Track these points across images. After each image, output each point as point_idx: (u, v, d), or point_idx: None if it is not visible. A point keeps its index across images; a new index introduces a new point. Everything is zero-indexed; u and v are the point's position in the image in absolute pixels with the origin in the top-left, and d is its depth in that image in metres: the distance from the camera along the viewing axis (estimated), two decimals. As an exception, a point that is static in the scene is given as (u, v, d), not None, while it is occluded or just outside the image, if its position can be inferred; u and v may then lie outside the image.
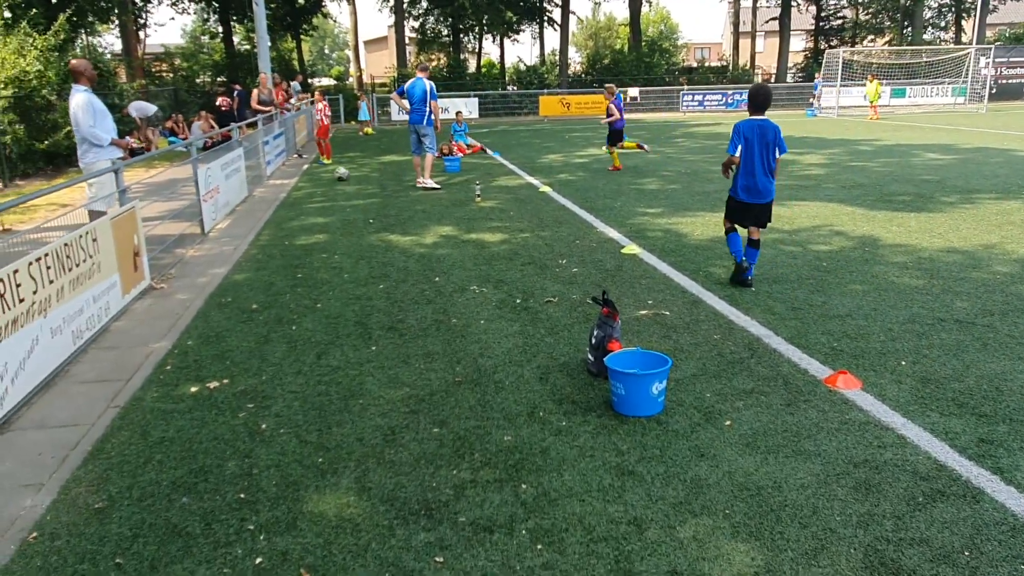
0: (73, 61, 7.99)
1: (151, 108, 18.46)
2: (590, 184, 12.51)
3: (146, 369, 4.93)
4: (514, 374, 4.66)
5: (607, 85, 14.76)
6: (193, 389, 4.57)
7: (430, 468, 3.58)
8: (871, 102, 27.75)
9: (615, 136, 13.95)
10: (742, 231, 6.54)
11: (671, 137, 21.49)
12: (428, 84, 11.84)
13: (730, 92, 33.43)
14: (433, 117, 11.92)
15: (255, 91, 15.65)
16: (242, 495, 3.38)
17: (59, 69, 15.89)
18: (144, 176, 13.33)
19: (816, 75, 33.58)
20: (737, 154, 6.44)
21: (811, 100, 33.07)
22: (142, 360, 5.10)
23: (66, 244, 5.01)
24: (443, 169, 14.65)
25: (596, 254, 7.68)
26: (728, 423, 3.94)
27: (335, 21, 51.40)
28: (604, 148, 14.18)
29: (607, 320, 4.58)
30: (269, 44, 43.49)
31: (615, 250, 7.82)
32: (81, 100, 7.59)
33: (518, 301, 6.14)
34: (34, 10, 15.54)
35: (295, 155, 18.28)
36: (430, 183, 12.29)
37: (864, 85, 29.17)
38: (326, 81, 69.88)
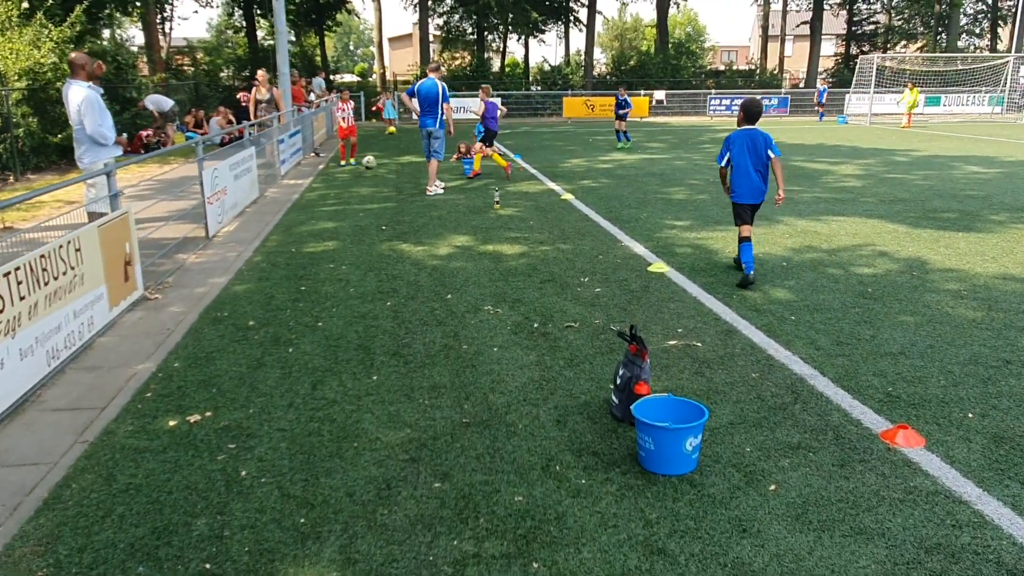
0: (72, 54, 7.58)
1: (168, 102, 18.15)
2: (615, 192, 11.97)
3: (125, 395, 4.49)
4: (528, 415, 4.16)
5: (483, 86, 14.89)
6: (172, 423, 4.11)
7: (428, 535, 3.09)
8: (908, 110, 26.95)
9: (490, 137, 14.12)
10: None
11: (698, 143, 20.88)
12: (440, 85, 11.37)
13: (759, 97, 32.64)
14: (445, 119, 11.45)
15: (252, 91, 15.04)
16: (207, 565, 2.91)
17: (74, 61, 15.58)
18: (157, 173, 12.98)
19: (820, 80, 32.22)
20: (723, 163, 7.03)
21: (816, 108, 31.44)
22: (122, 384, 4.65)
23: (42, 256, 4.58)
24: (463, 172, 14.17)
25: (620, 272, 7.16)
26: (773, 487, 3.42)
27: (359, 17, 51.07)
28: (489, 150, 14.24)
29: (634, 359, 4.07)
30: (289, 39, 43.43)
31: (641, 268, 7.30)
32: (86, 97, 7.20)
33: (535, 325, 5.64)
34: (51, 0, 15.20)
35: (312, 154, 17.90)
36: (439, 190, 11.83)
37: (900, 92, 28.36)
38: (348, 77, 69.78)
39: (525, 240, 8.53)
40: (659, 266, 7.29)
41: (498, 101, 15.15)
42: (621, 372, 4.09)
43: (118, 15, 24.24)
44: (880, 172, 14.27)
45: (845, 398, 4.35)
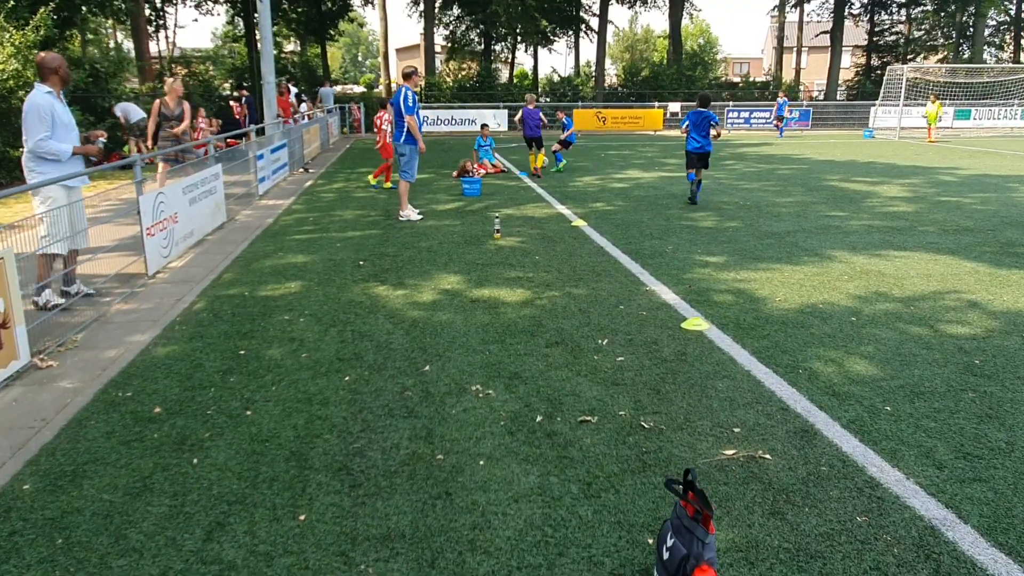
0: (41, 54, 6.24)
1: (137, 114, 16.74)
2: (632, 218, 10.48)
3: (-74, 549, 3.01)
4: (524, 606, 2.67)
5: (528, 95, 16.17)
6: (-34, 615, 2.63)
7: None
8: (929, 124, 25.47)
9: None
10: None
11: (719, 159, 19.37)
12: (403, 92, 9.97)
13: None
14: (412, 132, 10.03)
15: (156, 103, 11.25)
16: None
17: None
18: (111, 191, 11.58)
19: (780, 94, 30.18)
20: (685, 126, 11.58)
21: (775, 123, 28.99)
22: (-66, 524, 3.18)
23: None
24: (461, 193, 12.72)
25: (648, 329, 5.66)
26: None
27: (361, 26, 49.88)
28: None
29: (692, 525, 2.57)
30: (293, 50, 42.26)
31: (673, 323, 5.79)
32: (38, 102, 5.91)
33: (538, 419, 4.15)
34: (12, 2, 13.88)
35: (301, 169, 16.50)
36: (412, 215, 10.38)
37: (925, 105, 26.85)
38: (356, 89, 68.63)
39: (528, 282, 7.04)
40: (696, 322, 5.78)
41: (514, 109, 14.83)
42: (671, 543, 2.60)
43: (95, 20, 22.92)
44: (929, 194, 12.73)
45: (1014, 570, 2.83)
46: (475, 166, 15.26)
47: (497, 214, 9.64)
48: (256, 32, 36.15)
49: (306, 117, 18.51)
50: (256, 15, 35.43)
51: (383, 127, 13.02)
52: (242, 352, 5.23)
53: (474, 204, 11.80)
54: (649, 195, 12.64)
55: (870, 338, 5.43)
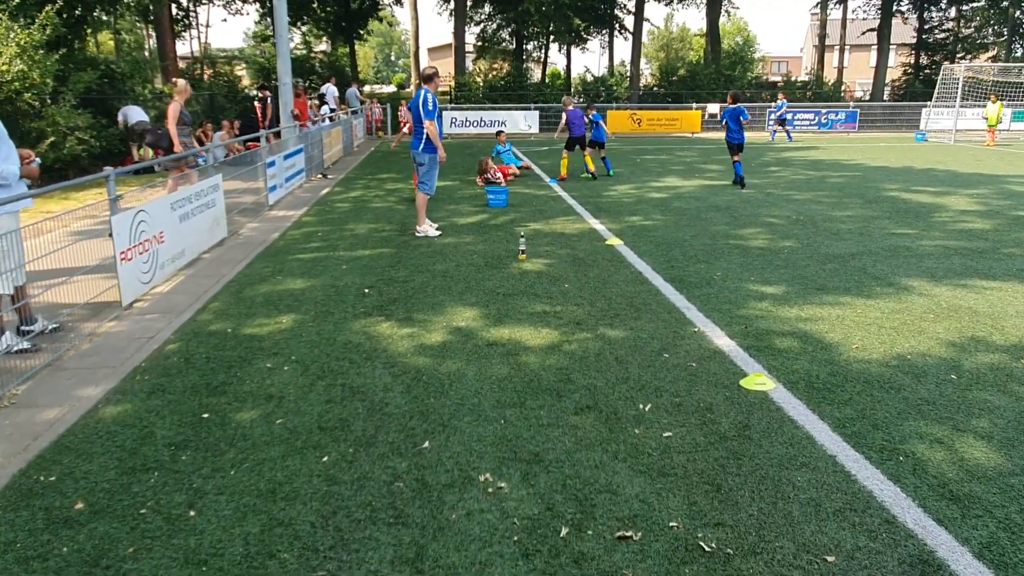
0: None
1: (137, 117, 15.94)
2: (673, 235, 9.42)
3: None
4: None
5: (565, 97, 15.79)
6: None
7: None
8: (990, 126, 23.94)
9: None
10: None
11: (763, 165, 18.16)
12: (422, 95, 9.03)
13: (824, 111, 29.69)
14: (432, 140, 9.09)
15: (171, 106, 10.47)
16: None
17: (46, 70, 13.58)
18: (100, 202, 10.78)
19: (780, 95, 28.04)
20: (722, 122, 13.72)
21: (772, 127, 26.68)
22: None
23: None
24: (486, 204, 11.75)
25: (700, 387, 4.64)
26: None
27: (391, 25, 49.21)
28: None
29: None
30: (321, 49, 41.65)
31: (730, 380, 4.76)
32: None
33: (563, 533, 3.16)
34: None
35: (319, 175, 15.67)
36: (429, 230, 9.44)
37: (984, 106, 25.30)
38: (387, 89, 68.06)
39: (556, 319, 6.04)
40: (759, 379, 4.74)
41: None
42: None
43: (124, 19, 22.40)
44: (1004, 207, 11.47)
45: None
46: (498, 172, 14.28)
47: (523, 232, 8.65)
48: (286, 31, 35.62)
49: (327, 119, 17.65)
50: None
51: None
52: (206, 415, 4.31)
53: (499, 217, 10.83)
54: (691, 207, 11.55)
55: (981, 406, 4.35)
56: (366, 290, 6.95)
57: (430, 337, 5.62)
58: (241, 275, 7.61)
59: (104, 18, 20.07)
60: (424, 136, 9.19)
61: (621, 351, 5.29)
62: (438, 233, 9.46)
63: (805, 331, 5.70)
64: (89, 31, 17.12)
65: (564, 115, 14.92)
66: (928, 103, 29.21)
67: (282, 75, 14.12)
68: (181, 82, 11.02)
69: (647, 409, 4.35)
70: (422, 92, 9.18)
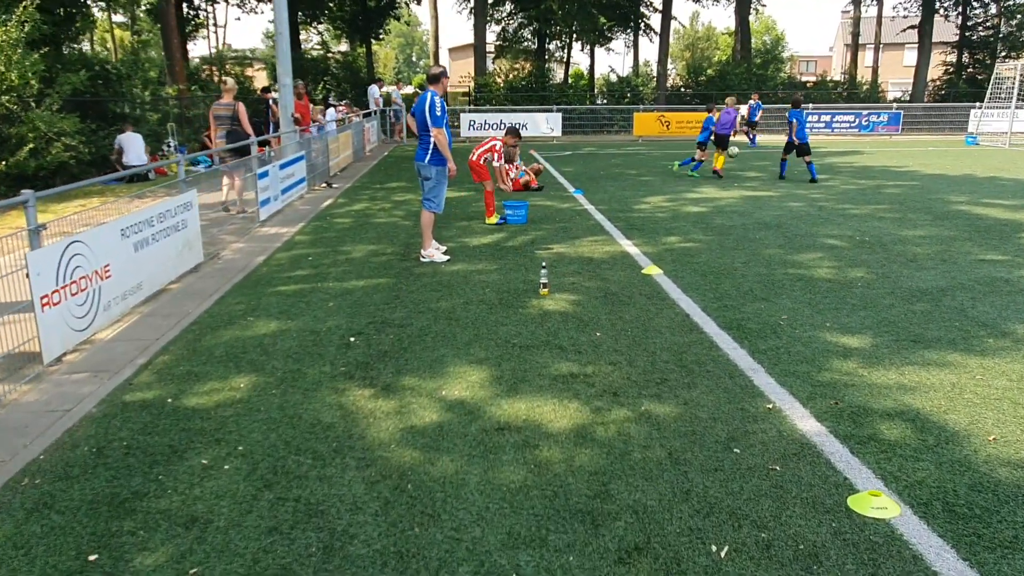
0: None
1: (133, 148, 14.91)
2: (720, 261, 8.05)
3: None
4: None
5: (727, 99, 16.75)
6: None
7: None
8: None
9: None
10: None
11: (805, 173, 16.65)
12: (428, 98, 7.76)
13: (865, 113, 28.03)
14: (441, 150, 7.82)
15: (238, 105, 11.20)
16: None
17: (27, 70, 12.46)
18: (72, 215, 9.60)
19: (754, 95, 25.24)
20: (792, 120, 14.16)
21: (742, 129, 22.89)
22: None
23: None
24: (502, 219, 10.43)
25: (792, 510, 3.30)
26: None
27: (408, 24, 48.08)
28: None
29: None
30: (339, 49, 40.55)
31: (834, 499, 3.41)
32: None
33: None
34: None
35: (323, 184, 14.44)
36: (436, 255, 8.16)
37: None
38: (408, 89, 66.97)
39: (586, 384, 4.71)
40: (874, 501, 3.37)
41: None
42: None
43: (104, 15, 21.28)
44: (1099, 226, 9.96)
45: None
46: (506, 177, 12.97)
47: (544, 261, 7.32)
48: (299, 29, 34.59)
49: (335, 124, 16.41)
50: (300, 12, 33.86)
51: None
52: (93, 558, 3.04)
53: (517, 236, 9.51)
54: (735, 224, 10.16)
55: None
56: (351, 338, 5.66)
57: (423, 415, 4.31)
58: (207, 314, 6.35)
59: (97, 14, 18.98)
60: (431, 146, 7.93)
61: (675, 442, 3.95)
62: (446, 259, 8.17)
63: (915, 409, 4.32)
64: (79, 27, 16.08)
65: (717, 115, 15.67)
66: (977, 104, 27.45)
67: (281, 76, 12.90)
68: (230, 81, 11.81)
69: (723, 554, 3.01)
70: (428, 95, 7.91)
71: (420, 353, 5.33)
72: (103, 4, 17.41)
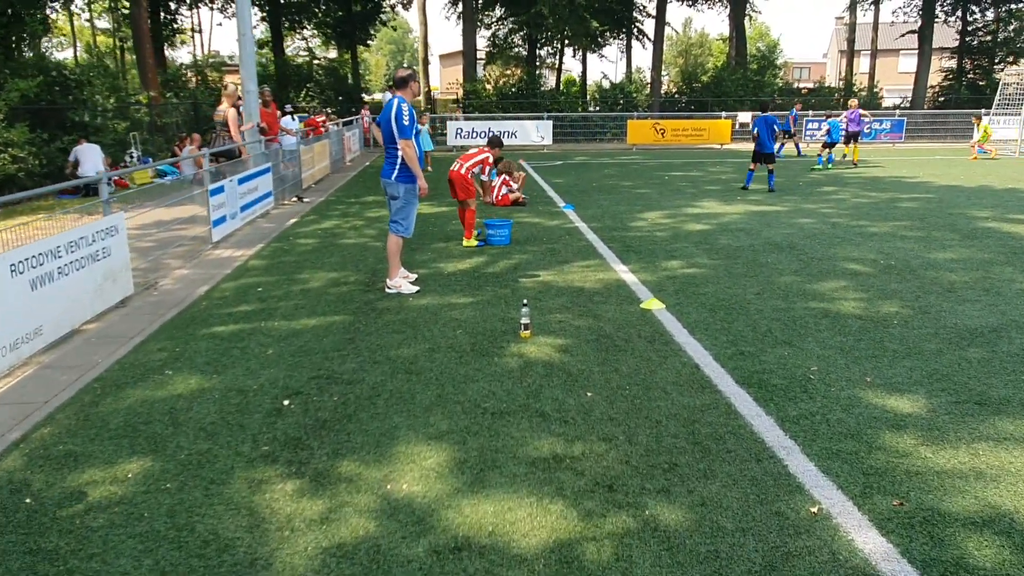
0: None
1: (91, 160, 13.84)
2: (730, 292, 7.01)
3: None
4: None
5: (851, 100, 19.72)
6: None
7: None
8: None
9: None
10: None
11: (813, 184, 15.71)
12: (395, 105, 6.74)
13: (868, 120, 27.06)
14: (410, 165, 6.78)
15: (228, 112, 10.82)
16: None
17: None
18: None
19: (796, 105, 24.35)
20: (754, 132, 14.12)
21: (783, 138, 21.99)
22: None
23: None
24: (484, 239, 9.38)
25: None
26: None
27: (394, 30, 47.10)
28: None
29: None
30: (325, 55, 39.51)
31: None
32: None
33: None
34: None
35: (294, 198, 13.37)
36: (403, 285, 7.09)
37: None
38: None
39: (573, 473, 3.65)
40: None
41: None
42: None
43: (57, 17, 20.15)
44: None
45: None
46: (491, 192, 12.02)
47: (525, 299, 6.26)
48: (283, 33, 33.55)
49: (293, 137, 15.21)
50: (283, 17, 32.82)
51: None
52: None
53: (499, 260, 8.46)
54: (742, 245, 9.13)
55: None
56: (286, 401, 4.59)
57: (357, 527, 3.24)
58: (118, 366, 5.27)
59: (52, 16, 17.90)
60: (399, 161, 6.88)
61: (693, 571, 2.89)
62: (415, 290, 7.11)
63: (1006, 513, 3.27)
64: (31, 30, 14.96)
65: (845, 116, 19.24)
66: (984, 111, 26.55)
67: (245, 81, 11.83)
68: (231, 86, 11.43)
69: None
70: (395, 102, 6.86)
71: (367, 423, 4.26)
72: (56, 6, 16.31)
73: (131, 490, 3.57)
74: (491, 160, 9.41)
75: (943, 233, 9.78)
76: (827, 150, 19.02)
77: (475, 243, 9.17)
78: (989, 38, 37.46)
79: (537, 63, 37.96)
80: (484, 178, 11.22)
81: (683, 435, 4.06)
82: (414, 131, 6.90)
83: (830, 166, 18.96)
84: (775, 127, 14.18)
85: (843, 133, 19.18)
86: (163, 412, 4.46)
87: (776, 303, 6.59)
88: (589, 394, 4.63)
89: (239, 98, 11.91)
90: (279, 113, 13.63)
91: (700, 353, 5.35)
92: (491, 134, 11.96)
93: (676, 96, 35.45)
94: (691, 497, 3.44)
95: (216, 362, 5.30)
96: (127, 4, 19.73)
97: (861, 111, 19.31)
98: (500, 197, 12.28)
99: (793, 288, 7.09)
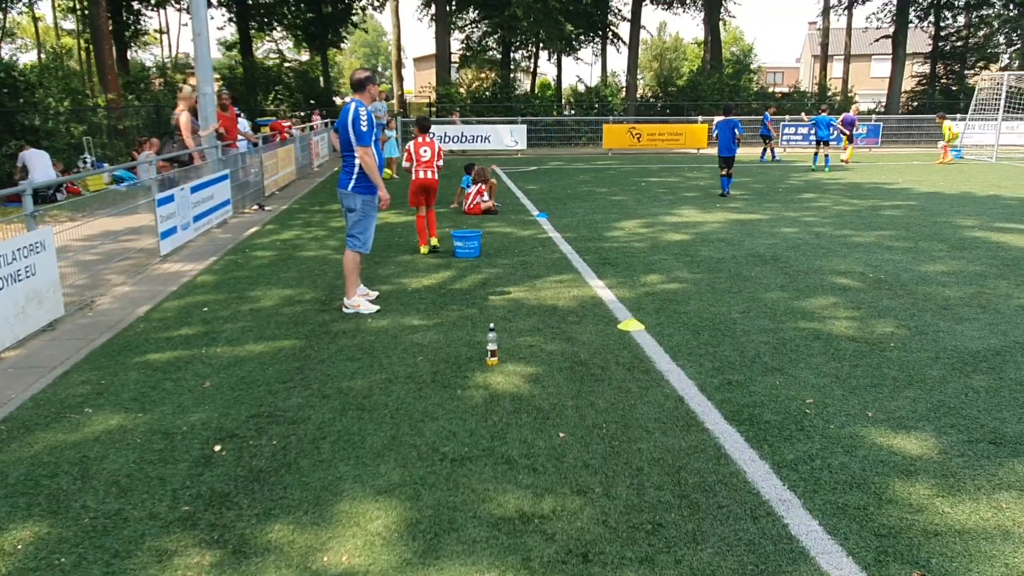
0: None
1: (39, 165, 13.20)
2: (713, 310, 6.54)
3: None
4: None
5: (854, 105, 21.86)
6: None
7: None
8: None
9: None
10: None
11: (791, 191, 15.37)
12: (351, 110, 6.22)
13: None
14: (369, 175, 6.26)
15: (180, 117, 10.26)
16: None
17: None
18: None
19: (769, 109, 24.41)
20: (715, 134, 13.77)
21: (767, 144, 22.46)
22: None
23: None
24: (453, 253, 8.86)
25: None
26: None
27: (366, 31, 46.43)
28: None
29: None
30: (295, 58, 38.74)
31: None
32: None
33: None
34: None
35: (255, 207, 12.74)
36: (362, 304, 6.55)
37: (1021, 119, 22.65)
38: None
39: (541, 533, 3.15)
40: None
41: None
42: None
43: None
44: None
45: None
46: (465, 199, 11.55)
47: (493, 323, 5.75)
48: (252, 36, 32.80)
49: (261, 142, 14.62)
50: (252, 19, 32.06)
51: (420, 156, 8.76)
52: None
53: (467, 274, 7.94)
54: (724, 257, 8.69)
55: None
56: (217, 446, 4.02)
57: (280, 617, 2.69)
58: (32, 403, 4.67)
59: (14, 18, 17.08)
60: (356, 170, 6.34)
61: None
62: (374, 309, 6.56)
63: (1047, 589, 2.81)
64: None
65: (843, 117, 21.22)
66: (959, 116, 26.52)
67: (202, 84, 11.18)
68: (187, 88, 11.05)
69: None
70: (352, 105, 6.32)
71: (308, 473, 3.72)
72: (18, 8, 15.55)
73: (16, 566, 3.00)
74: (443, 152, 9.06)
75: (931, 243, 9.41)
76: (821, 148, 19.44)
77: (426, 251, 8.82)
78: (961, 43, 37.62)
79: (512, 66, 37.51)
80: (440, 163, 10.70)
81: (668, 486, 3.57)
82: (371, 139, 6.36)
83: (827, 169, 19.19)
84: (736, 131, 13.74)
85: (844, 135, 21.09)
86: (73, 462, 3.88)
87: (763, 323, 6.14)
88: (561, 434, 4.12)
89: (196, 101, 11.31)
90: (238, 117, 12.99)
91: (684, 383, 4.86)
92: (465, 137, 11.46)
93: (652, 100, 35.17)
94: (679, 569, 2.94)
95: (144, 397, 4.71)
96: (87, 4, 18.97)
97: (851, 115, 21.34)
98: (472, 205, 11.79)
99: (780, 306, 6.64)
